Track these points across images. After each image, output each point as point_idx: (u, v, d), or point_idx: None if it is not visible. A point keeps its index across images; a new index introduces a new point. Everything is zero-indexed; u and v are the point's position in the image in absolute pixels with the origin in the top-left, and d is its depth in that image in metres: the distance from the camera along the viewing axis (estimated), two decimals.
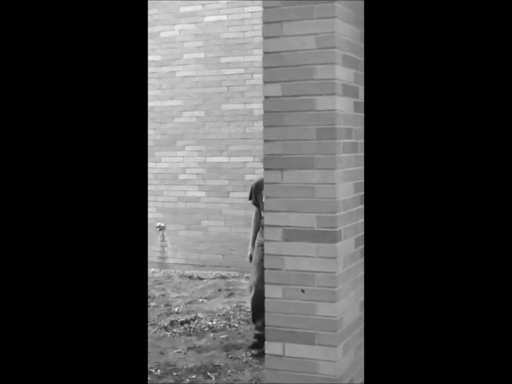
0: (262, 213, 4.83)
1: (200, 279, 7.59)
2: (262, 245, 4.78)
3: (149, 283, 7.45)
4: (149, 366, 4.41)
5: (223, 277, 7.65)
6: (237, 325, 5.58)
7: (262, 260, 4.63)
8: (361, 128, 3.14)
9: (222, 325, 5.57)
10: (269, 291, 3.04)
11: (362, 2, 2.88)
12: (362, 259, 3.15)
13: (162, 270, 8.25)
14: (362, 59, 3.09)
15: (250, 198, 5.19)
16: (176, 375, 4.27)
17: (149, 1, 8.30)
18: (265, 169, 3.04)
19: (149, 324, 5.55)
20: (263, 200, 4.64)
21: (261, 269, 4.34)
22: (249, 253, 5.06)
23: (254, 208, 5.16)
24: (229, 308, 6.17)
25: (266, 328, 3.04)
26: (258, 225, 5.07)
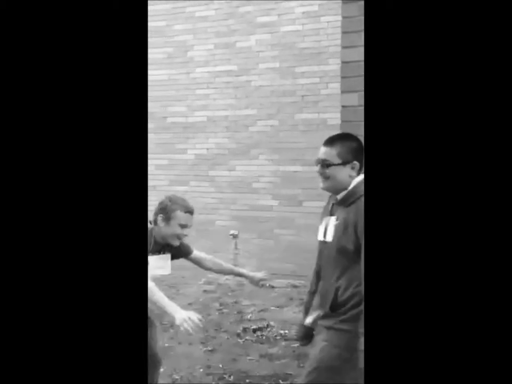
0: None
1: (272, 287, 7.61)
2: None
3: (222, 290, 7.54)
4: (222, 372, 4.47)
5: (295, 286, 7.65)
6: None
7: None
8: None
9: (294, 333, 5.56)
10: None
11: None
12: None
13: (235, 278, 8.31)
14: None
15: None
16: (249, 382, 4.30)
17: (226, 12, 8.45)
18: None
19: (221, 330, 5.63)
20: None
21: None
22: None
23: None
24: (300, 317, 6.15)
25: None
26: None
